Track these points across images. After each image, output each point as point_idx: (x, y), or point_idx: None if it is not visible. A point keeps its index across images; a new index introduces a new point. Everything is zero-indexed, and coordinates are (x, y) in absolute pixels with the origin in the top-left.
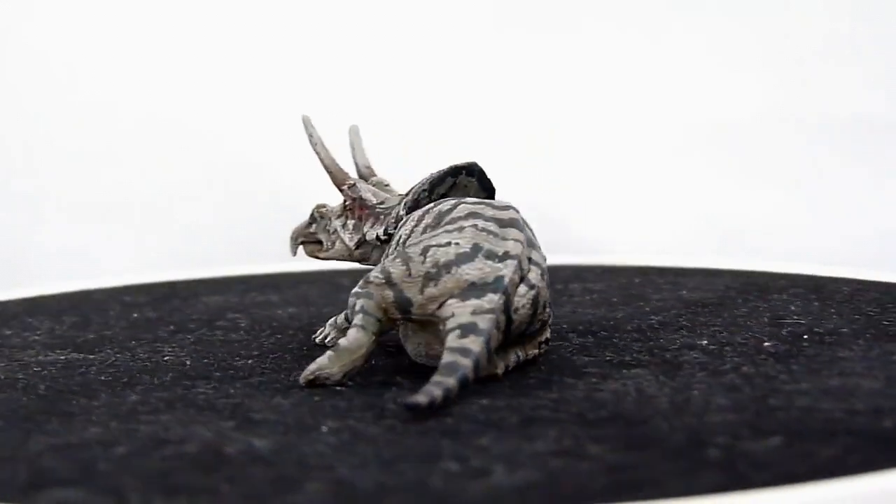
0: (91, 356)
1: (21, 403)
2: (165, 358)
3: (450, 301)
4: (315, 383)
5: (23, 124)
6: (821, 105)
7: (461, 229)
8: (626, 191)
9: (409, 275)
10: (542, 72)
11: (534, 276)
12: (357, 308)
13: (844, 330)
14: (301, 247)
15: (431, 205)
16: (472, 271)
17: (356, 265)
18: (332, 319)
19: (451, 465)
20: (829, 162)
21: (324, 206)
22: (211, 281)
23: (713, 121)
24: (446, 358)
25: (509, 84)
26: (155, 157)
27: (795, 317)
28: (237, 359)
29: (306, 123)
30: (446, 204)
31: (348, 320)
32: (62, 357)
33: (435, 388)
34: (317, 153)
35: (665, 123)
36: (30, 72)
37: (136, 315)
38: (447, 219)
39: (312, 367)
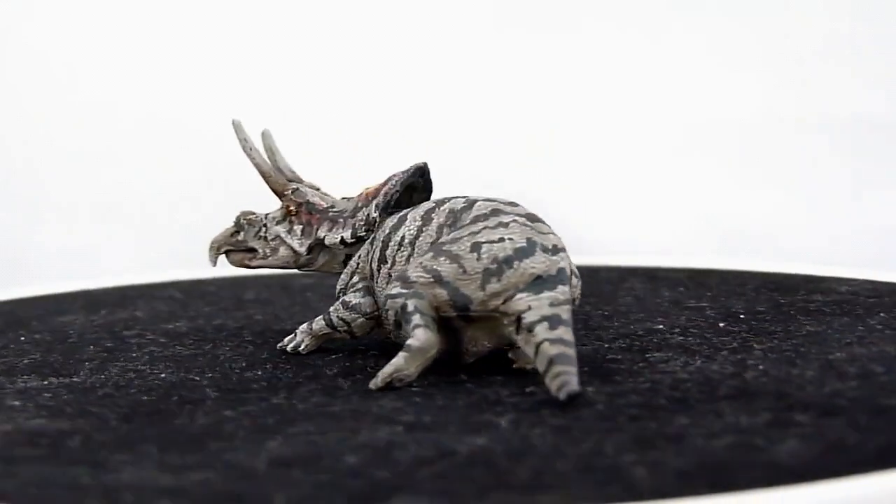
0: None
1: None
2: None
3: (519, 295)
4: (391, 385)
5: (23, 124)
6: (821, 105)
7: (505, 225)
8: (625, 191)
9: (465, 272)
10: (542, 72)
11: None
12: (410, 309)
13: None
14: (224, 256)
15: (430, 204)
16: (537, 264)
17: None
18: (305, 326)
19: (724, 438)
20: (829, 162)
21: (251, 213)
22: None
23: (713, 121)
24: (554, 349)
25: (509, 84)
26: (155, 158)
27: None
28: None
29: (237, 128)
30: (456, 202)
31: (335, 326)
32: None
33: (572, 378)
34: (251, 159)
35: (665, 123)
36: (30, 72)
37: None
38: (471, 216)
39: (389, 369)
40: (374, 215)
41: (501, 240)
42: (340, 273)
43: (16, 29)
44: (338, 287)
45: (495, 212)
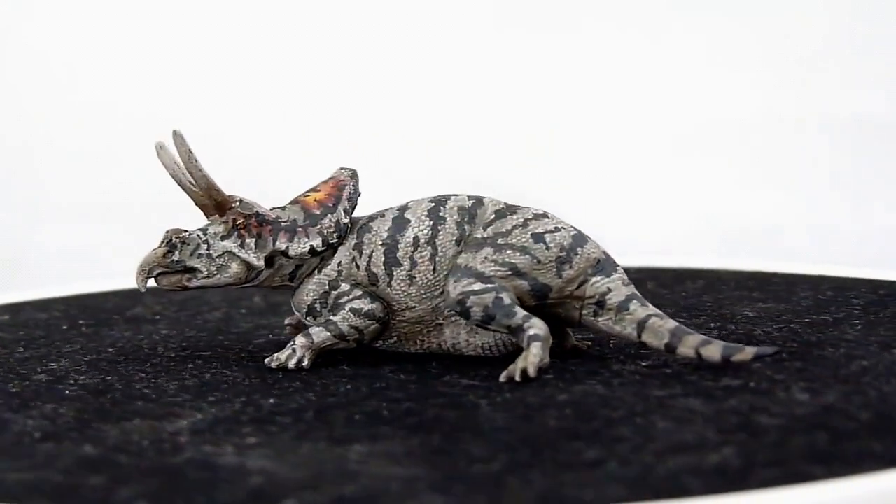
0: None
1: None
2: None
3: (593, 279)
4: (538, 373)
5: (23, 124)
6: (821, 105)
7: (547, 215)
8: (625, 190)
9: (539, 262)
10: (542, 72)
11: None
12: (508, 301)
13: None
14: (154, 279)
15: (428, 203)
16: (595, 250)
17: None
18: (302, 340)
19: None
20: (829, 162)
21: (182, 230)
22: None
23: (713, 121)
24: (668, 323)
25: (509, 84)
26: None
27: None
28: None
29: (180, 140)
30: (458, 200)
31: (345, 336)
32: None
33: (714, 343)
34: (192, 172)
35: (665, 123)
36: (30, 72)
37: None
38: (490, 211)
39: (534, 360)
40: (346, 221)
41: (557, 229)
42: (281, 285)
43: (16, 29)
44: (309, 298)
45: (512, 207)
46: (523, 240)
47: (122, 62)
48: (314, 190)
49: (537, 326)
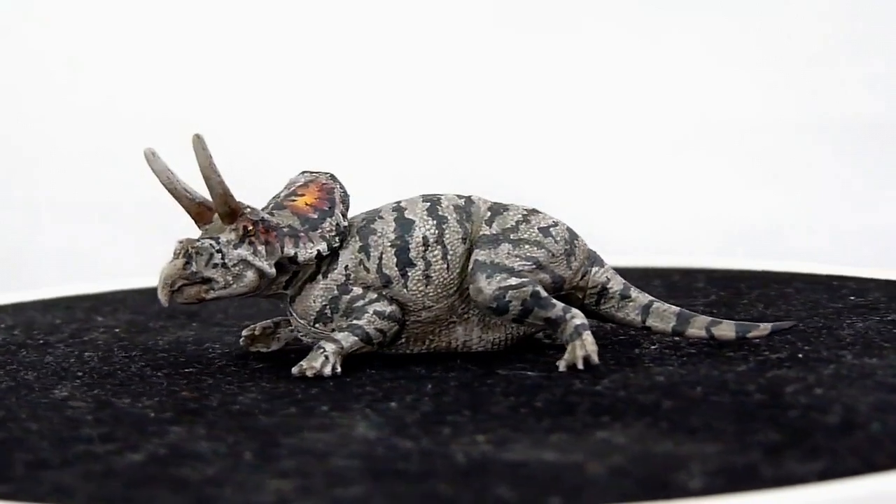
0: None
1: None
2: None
3: (593, 269)
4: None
5: (23, 124)
6: (821, 105)
7: (538, 211)
8: (625, 190)
9: (553, 255)
10: (541, 72)
11: None
12: (544, 294)
13: None
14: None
15: (423, 203)
16: (585, 242)
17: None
18: (331, 346)
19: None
20: (829, 161)
21: (193, 240)
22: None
23: (713, 121)
24: (672, 307)
25: (509, 84)
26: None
27: None
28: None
29: (201, 145)
30: (449, 198)
31: (371, 339)
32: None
33: (724, 322)
34: (210, 178)
35: (665, 123)
36: (30, 72)
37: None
38: (483, 209)
39: (593, 347)
40: (345, 224)
41: (555, 223)
42: (275, 294)
43: (16, 29)
44: (318, 304)
45: (502, 205)
46: (534, 234)
47: (123, 62)
48: (295, 195)
49: (579, 315)
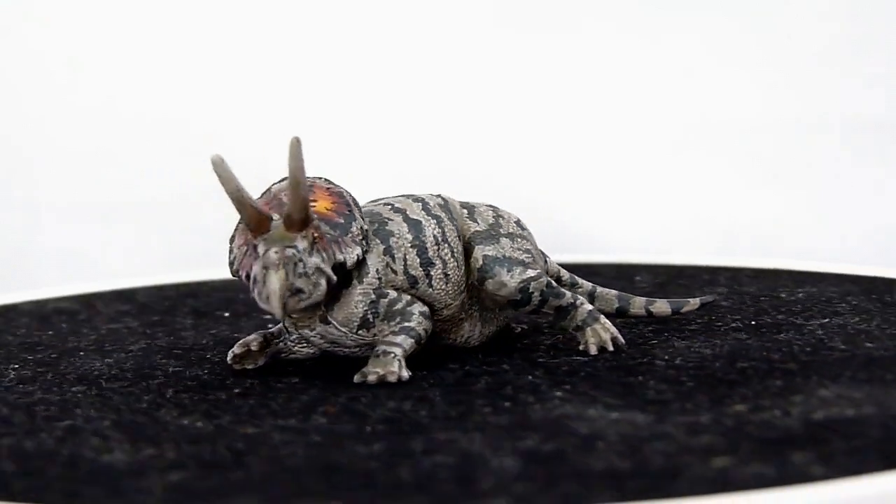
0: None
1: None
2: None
3: (548, 259)
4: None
5: (23, 124)
6: (821, 105)
7: (496, 206)
8: (625, 190)
9: (534, 247)
10: (541, 72)
11: None
12: (553, 284)
13: None
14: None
15: (415, 204)
16: None
17: None
18: (397, 350)
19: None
20: (829, 161)
21: (285, 251)
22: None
23: (713, 121)
24: (612, 290)
25: (508, 84)
26: (155, 158)
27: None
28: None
29: (297, 148)
30: (430, 198)
31: (420, 339)
32: None
33: (659, 300)
34: (299, 183)
35: (664, 123)
36: (30, 72)
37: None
38: (458, 206)
39: (614, 330)
40: (366, 227)
41: (517, 218)
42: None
43: (16, 29)
44: (360, 310)
45: (466, 202)
46: (515, 228)
47: (123, 62)
48: (312, 201)
49: (586, 301)
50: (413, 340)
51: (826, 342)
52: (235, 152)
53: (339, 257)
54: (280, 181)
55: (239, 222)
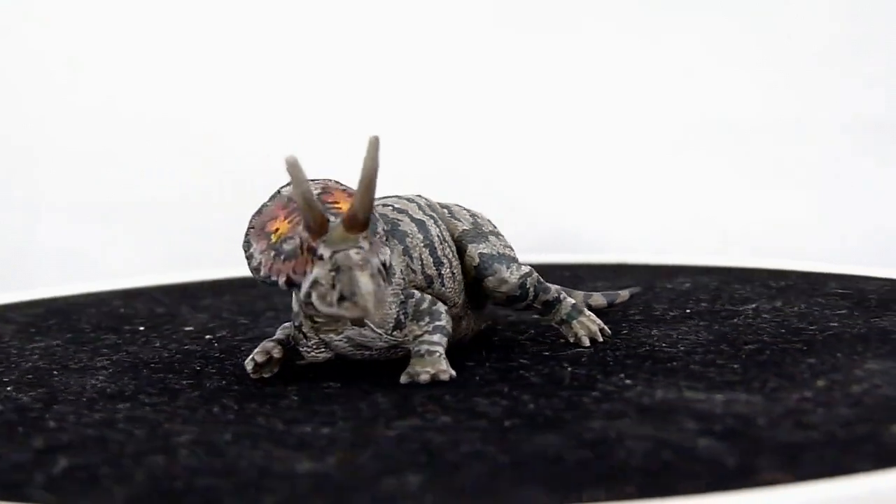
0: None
1: None
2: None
3: None
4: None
5: (23, 124)
6: (821, 105)
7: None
8: (625, 190)
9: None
10: (541, 72)
11: None
12: (541, 279)
13: None
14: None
15: (411, 205)
16: None
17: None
18: (439, 349)
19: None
20: (829, 161)
21: (369, 252)
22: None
23: (713, 121)
24: (552, 285)
25: (508, 84)
26: (155, 158)
27: None
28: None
29: (375, 147)
30: (418, 199)
31: (449, 335)
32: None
33: (594, 294)
34: (370, 186)
35: (664, 123)
36: (30, 72)
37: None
38: (440, 207)
39: (594, 326)
40: (385, 228)
41: (490, 220)
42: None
43: (16, 29)
44: (394, 311)
45: (440, 202)
46: (493, 226)
47: (123, 62)
48: (326, 203)
49: (568, 295)
50: (447, 339)
51: (792, 324)
52: (235, 152)
53: (384, 258)
54: (287, 185)
55: (250, 227)
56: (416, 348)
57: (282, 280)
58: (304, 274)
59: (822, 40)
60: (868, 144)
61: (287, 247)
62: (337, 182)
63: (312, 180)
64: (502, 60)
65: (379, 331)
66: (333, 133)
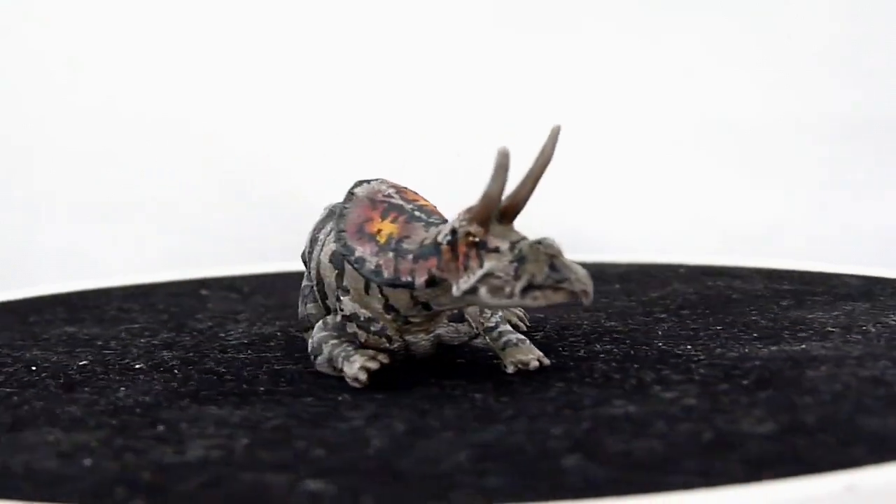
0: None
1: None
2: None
3: None
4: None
5: (23, 124)
6: (821, 104)
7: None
8: (625, 190)
9: None
10: (541, 72)
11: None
12: None
13: None
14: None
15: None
16: None
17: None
18: (521, 335)
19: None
20: (829, 161)
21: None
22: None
23: (713, 120)
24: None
25: (508, 84)
26: (155, 157)
27: None
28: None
29: (555, 137)
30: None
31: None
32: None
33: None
34: (540, 177)
35: (664, 123)
36: (30, 72)
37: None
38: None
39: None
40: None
41: None
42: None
43: (16, 29)
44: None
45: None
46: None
47: (123, 61)
48: (412, 200)
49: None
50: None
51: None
52: (235, 152)
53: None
54: (360, 184)
55: (342, 232)
56: (505, 339)
57: (420, 279)
58: (458, 270)
59: (822, 40)
60: (868, 144)
61: (407, 246)
62: (392, 183)
63: (374, 180)
64: (502, 60)
65: (475, 323)
66: (333, 133)
